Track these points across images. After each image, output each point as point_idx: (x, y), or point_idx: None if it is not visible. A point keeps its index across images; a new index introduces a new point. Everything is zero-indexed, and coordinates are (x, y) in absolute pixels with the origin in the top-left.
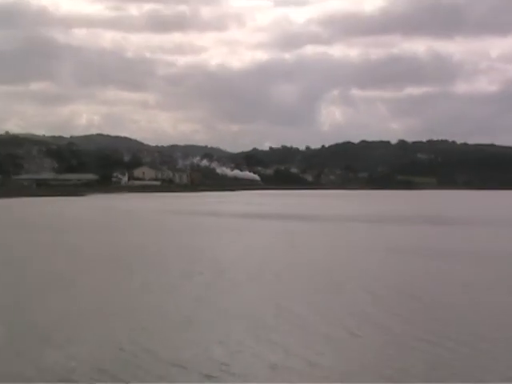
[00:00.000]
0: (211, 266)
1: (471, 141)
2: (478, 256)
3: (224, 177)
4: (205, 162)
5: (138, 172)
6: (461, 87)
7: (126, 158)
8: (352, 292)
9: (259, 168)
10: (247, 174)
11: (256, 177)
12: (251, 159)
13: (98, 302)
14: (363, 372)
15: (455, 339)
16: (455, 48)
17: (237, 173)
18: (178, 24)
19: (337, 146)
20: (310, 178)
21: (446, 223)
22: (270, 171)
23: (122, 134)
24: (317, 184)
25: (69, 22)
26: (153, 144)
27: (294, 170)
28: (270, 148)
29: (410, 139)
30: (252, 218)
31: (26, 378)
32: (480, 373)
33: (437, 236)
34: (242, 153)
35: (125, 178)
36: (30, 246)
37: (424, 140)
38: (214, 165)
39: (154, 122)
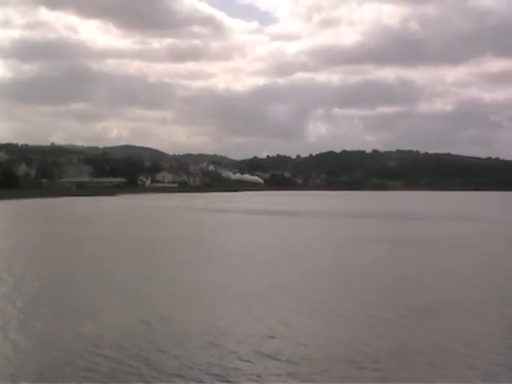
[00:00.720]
0: (221, 254)
1: (431, 151)
2: (432, 243)
3: (230, 179)
4: (213, 168)
5: (158, 176)
6: (422, 107)
7: (149, 165)
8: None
9: (258, 173)
10: (253, 178)
11: (260, 180)
12: (252, 166)
13: (122, 279)
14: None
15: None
16: (418, 75)
17: (245, 177)
18: (192, 55)
19: (322, 154)
20: (300, 181)
21: (412, 218)
22: (267, 175)
23: (146, 145)
24: (305, 186)
25: (102, 54)
26: (171, 153)
27: (286, 175)
28: (267, 156)
29: (382, 149)
30: (252, 214)
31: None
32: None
33: (403, 228)
34: (244, 160)
35: (148, 181)
36: (75, 237)
37: (393, 150)
38: (221, 170)
39: (171, 135)
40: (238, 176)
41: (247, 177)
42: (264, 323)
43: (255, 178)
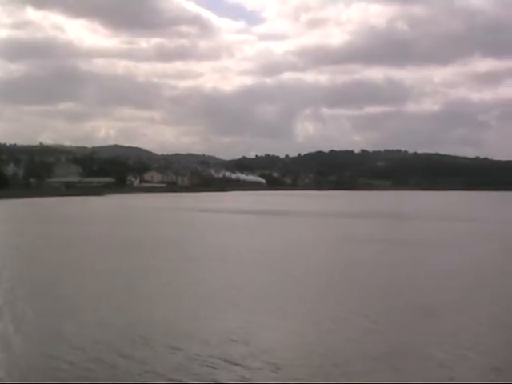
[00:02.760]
0: (208, 253)
1: (420, 150)
2: (422, 243)
3: (219, 179)
4: (202, 168)
5: (147, 176)
6: (410, 107)
7: (138, 165)
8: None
9: (247, 173)
10: (254, 178)
11: (262, 180)
12: (241, 165)
13: (108, 279)
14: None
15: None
16: (406, 75)
17: (247, 177)
18: (180, 54)
19: (310, 154)
20: (289, 180)
21: (402, 218)
22: (256, 175)
23: (134, 145)
24: (294, 186)
25: (90, 54)
26: (159, 153)
27: (275, 175)
28: (256, 156)
29: (370, 149)
30: (240, 214)
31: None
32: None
33: (393, 228)
34: (233, 160)
35: (137, 181)
36: (63, 237)
37: (382, 150)
38: (210, 170)
39: (160, 135)
40: (238, 176)
41: (249, 177)
42: (235, 325)
43: (257, 178)
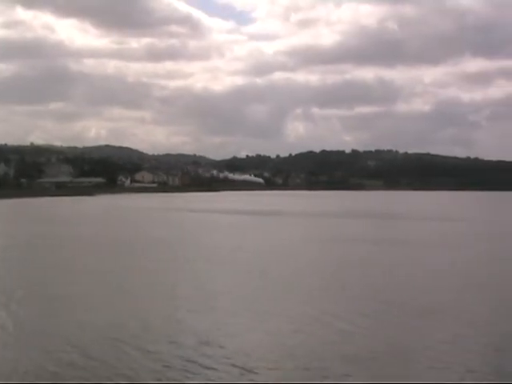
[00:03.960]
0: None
1: (410, 150)
2: (412, 243)
3: (210, 179)
4: (193, 168)
5: (138, 176)
6: (401, 107)
7: (129, 165)
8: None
9: (238, 173)
10: (254, 178)
11: (260, 180)
12: (231, 165)
13: (97, 279)
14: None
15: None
16: (396, 75)
17: (235, 176)
18: (170, 54)
19: (301, 154)
20: (280, 180)
21: (393, 218)
22: (247, 175)
23: (125, 145)
24: (285, 186)
25: (80, 53)
26: (150, 153)
27: (266, 175)
28: (247, 156)
29: (361, 149)
30: (231, 214)
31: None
32: None
33: (382, 228)
34: (224, 160)
35: (127, 181)
36: (53, 237)
37: (373, 150)
38: (201, 170)
39: (150, 135)
40: (237, 176)
41: (242, 177)
42: (213, 327)
43: (256, 179)
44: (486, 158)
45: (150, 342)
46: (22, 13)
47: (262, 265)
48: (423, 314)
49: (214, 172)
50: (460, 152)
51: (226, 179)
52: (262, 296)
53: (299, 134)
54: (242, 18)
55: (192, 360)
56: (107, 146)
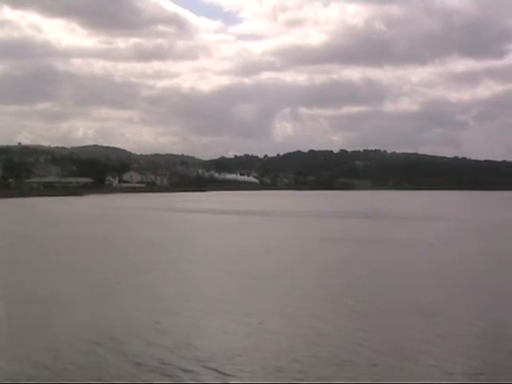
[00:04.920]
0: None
1: (398, 150)
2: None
3: (198, 179)
4: (181, 168)
5: (126, 176)
6: (389, 107)
7: (117, 165)
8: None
9: (226, 173)
10: (248, 178)
11: (255, 180)
12: (220, 165)
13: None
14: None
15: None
16: (384, 75)
17: (241, 177)
18: (157, 54)
19: (289, 154)
20: (268, 180)
21: (382, 217)
22: (233, 175)
23: (113, 145)
24: (273, 186)
25: (68, 53)
26: (138, 153)
27: (254, 174)
28: (235, 156)
29: (349, 149)
30: (219, 214)
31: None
32: None
33: (368, 227)
34: (212, 160)
35: (116, 181)
36: (38, 236)
37: (360, 150)
38: (189, 170)
39: (138, 135)
40: (233, 176)
41: (243, 177)
42: (188, 328)
43: (250, 179)
44: (473, 158)
45: (124, 343)
46: (8, 13)
47: (245, 265)
48: (411, 314)
49: (202, 171)
50: (448, 152)
51: (214, 179)
52: (241, 296)
53: (287, 134)
54: (229, 18)
55: (167, 362)
56: (95, 146)
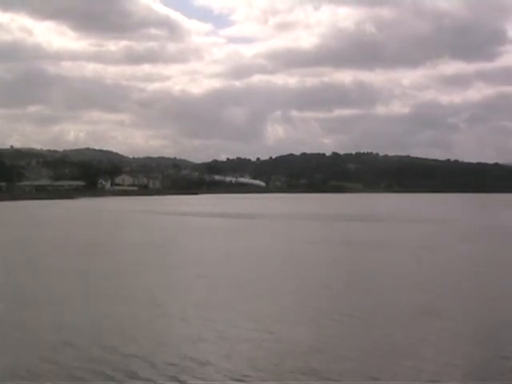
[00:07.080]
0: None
1: (390, 153)
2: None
3: (190, 182)
4: (173, 171)
5: (118, 179)
6: (380, 109)
7: (109, 168)
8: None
9: (218, 176)
10: (255, 181)
11: (262, 183)
12: (212, 168)
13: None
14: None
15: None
16: (375, 77)
17: (246, 180)
18: (148, 57)
19: (282, 157)
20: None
21: (373, 220)
22: (225, 177)
23: (105, 148)
24: (266, 188)
25: (58, 56)
26: (131, 156)
27: (247, 177)
28: (227, 159)
29: (341, 152)
30: (209, 217)
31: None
32: None
33: (364, 229)
34: (204, 163)
35: (108, 184)
36: (30, 240)
37: (352, 152)
38: (181, 173)
39: (130, 138)
40: (239, 180)
41: (249, 180)
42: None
43: (257, 182)
44: (465, 161)
45: (103, 349)
46: None
47: (230, 268)
48: (400, 316)
49: (194, 174)
50: (439, 154)
51: (206, 182)
52: (223, 300)
53: (279, 137)
54: (220, 20)
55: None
56: (87, 149)
